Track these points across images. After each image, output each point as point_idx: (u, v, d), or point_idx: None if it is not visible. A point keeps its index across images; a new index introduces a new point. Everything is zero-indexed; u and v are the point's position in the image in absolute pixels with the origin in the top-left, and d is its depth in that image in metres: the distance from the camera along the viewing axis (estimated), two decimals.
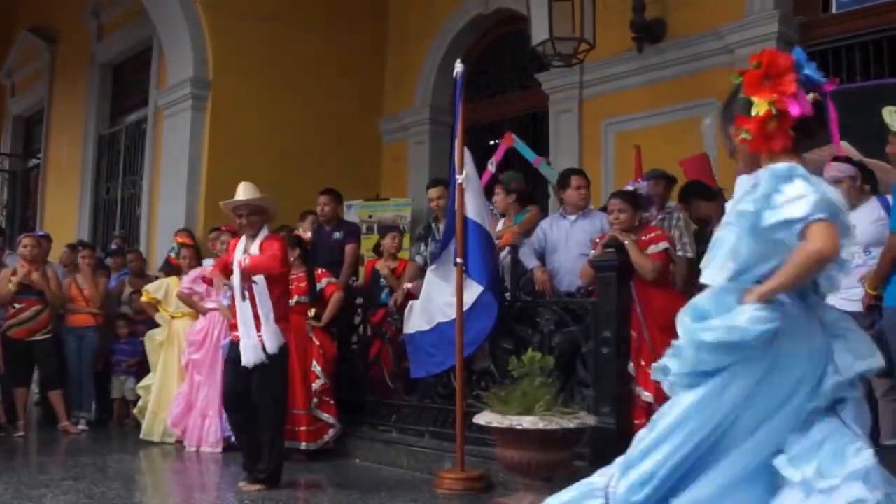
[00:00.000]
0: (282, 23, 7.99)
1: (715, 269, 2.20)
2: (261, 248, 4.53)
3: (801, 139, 2.18)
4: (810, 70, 2.20)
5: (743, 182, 2.22)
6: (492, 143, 8.08)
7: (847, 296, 3.95)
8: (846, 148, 5.04)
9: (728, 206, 2.27)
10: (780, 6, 5.92)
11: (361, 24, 8.66)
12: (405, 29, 8.73)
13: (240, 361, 4.42)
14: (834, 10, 5.97)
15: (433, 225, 5.77)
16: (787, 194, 2.06)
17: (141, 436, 6.20)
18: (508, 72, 8.24)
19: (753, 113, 2.13)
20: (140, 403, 6.48)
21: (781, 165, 2.10)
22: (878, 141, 4.46)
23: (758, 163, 2.21)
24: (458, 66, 4.67)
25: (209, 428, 5.78)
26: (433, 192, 5.74)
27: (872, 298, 3.96)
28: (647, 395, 4.25)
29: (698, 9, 6.31)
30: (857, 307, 3.98)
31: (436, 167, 8.40)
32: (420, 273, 5.48)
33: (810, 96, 2.17)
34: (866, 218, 4.10)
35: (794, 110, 2.10)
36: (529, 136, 7.98)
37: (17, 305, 6.53)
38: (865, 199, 4.28)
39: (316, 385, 5.44)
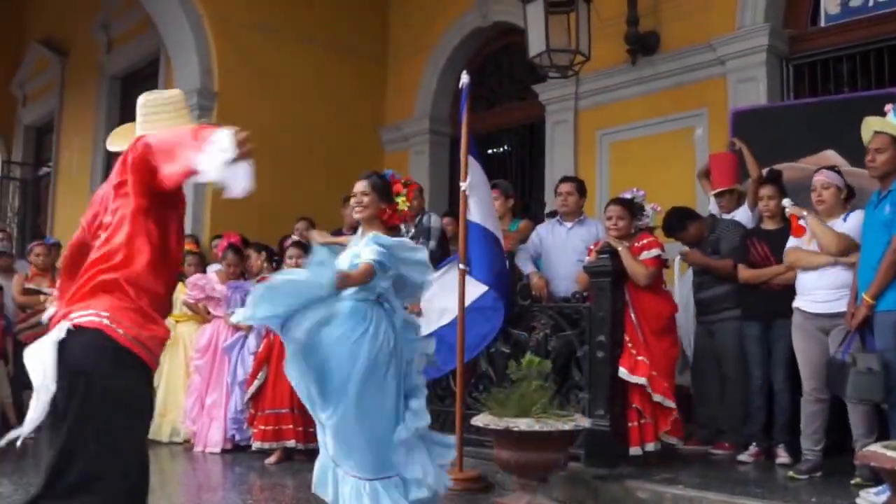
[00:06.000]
0: (285, 35, 8.17)
1: None
2: None
3: None
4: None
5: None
6: (490, 151, 8.23)
7: (812, 298, 4.18)
8: (833, 157, 5.18)
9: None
10: (771, 20, 6.06)
11: (363, 35, 8.84)
12: (406, 41, 8.88)
13: None
14: (822, 24, 6.11)
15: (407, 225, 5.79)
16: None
17: (149, 437, 6.34)
18: (506, 83, 8.38)
19: (399, 201, 3.70)
20: None
21: (383, 238, 3.39)
22: (863, 151, 4.55)
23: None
24: (465, 78, 4.75)
25: (215, 429, 5.92)
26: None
27: (870, 309, 3.75)
28: (638, 379, 4.34)
29: (691, 22, 6.45)
30: (820, 309, 4.13)
31: (435, 176, 8.55)
32: None
33: None
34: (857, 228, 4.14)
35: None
36: (526, 146, 8.14)
37: (27, 310, 6.70)
38: (850, 211, 4.31)
39: None
